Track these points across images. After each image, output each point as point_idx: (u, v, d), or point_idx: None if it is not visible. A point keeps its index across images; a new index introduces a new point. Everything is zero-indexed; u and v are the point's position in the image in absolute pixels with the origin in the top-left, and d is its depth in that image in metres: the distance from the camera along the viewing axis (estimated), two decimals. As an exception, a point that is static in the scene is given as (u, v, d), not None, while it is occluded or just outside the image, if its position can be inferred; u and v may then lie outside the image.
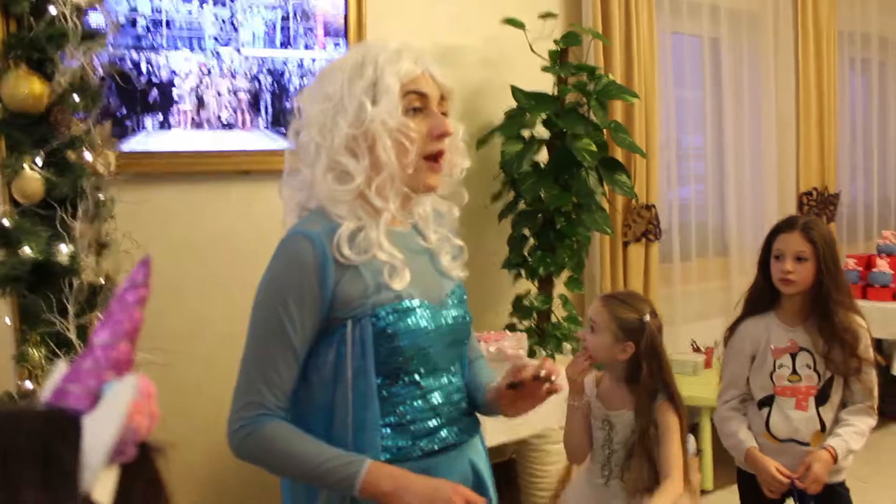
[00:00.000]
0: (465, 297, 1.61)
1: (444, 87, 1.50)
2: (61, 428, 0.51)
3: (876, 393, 2.28)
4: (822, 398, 2.27)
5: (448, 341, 1.53)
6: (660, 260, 4.32)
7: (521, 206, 3.55)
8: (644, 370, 2.02)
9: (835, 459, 2.20)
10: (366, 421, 1.43)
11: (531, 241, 3.62)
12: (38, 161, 1.97)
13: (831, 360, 2.23)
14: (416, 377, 1.48)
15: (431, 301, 1.51)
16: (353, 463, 1.39)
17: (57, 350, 1.92)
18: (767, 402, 2.30)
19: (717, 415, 2.40)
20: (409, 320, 1.45)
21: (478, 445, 1.62)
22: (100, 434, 0.52)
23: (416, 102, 1.46)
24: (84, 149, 2.02)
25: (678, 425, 2.02)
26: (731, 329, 2.39)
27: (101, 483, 0.51)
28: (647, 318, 2.03)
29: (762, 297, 2.34)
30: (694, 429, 3.74)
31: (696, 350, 4.25)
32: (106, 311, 0.57)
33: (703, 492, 3.66)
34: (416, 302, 1.47)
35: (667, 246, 4.45)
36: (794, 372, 2.27)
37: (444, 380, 1.53)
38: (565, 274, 3.64)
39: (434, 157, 1.49)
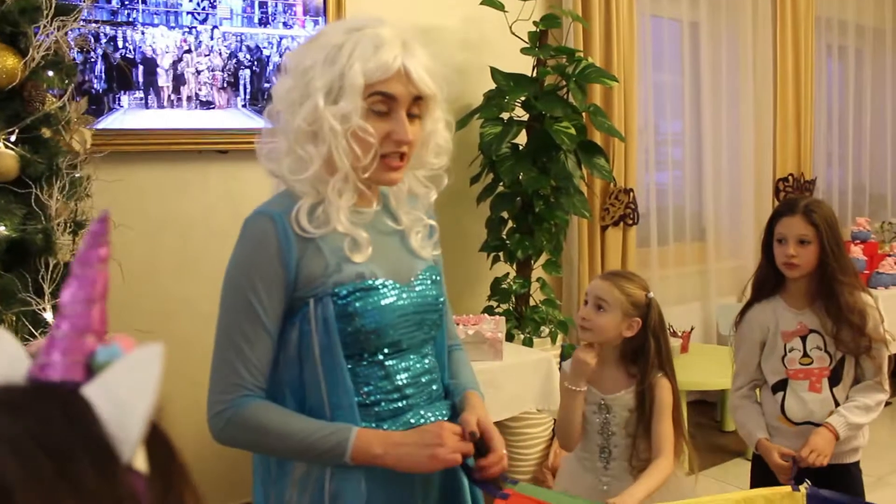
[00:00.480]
0: (438, 277, 1.58)
1: (421, 89, 1.42)
2: (73, 409, 0.48)
3: (886, 369, 2.29)
4: (834, 379, 2.27)
5: (415, 321, 1.51)
6: (637, 244, 4.34)
7: (500, 188, 3.55)
8: (651, 346, 2.02)
9: (836, 436, 2.20)
10: (341, 399, 1.43)
11: (510, 223, 3.62)
12: (12, 138, 1.93)
13: (841, 341, 2.23)
14: (380, 357, 1.47)
15: (399, 280, 1.49)
16: (341, 431, 1.39)
17: (33, 330, 1.90)
18: (781, 386, 2.29)
19: (730, 403, 2.43)
20: (371, 299, 1.43)
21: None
22: (131, 401, 0.48)
23: (380, 105, 1.40)
24: (59, 126, 1.99)
25: (672, 402, 2.03)
26: (740, 316, 2.39)
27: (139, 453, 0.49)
28: (651, 294, 2.06)
29: (767, 282, 2.33)
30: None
31: (674, 334, 4.27)
32: (71, 275, 0.54)
33: (689, 473, 3.70)
34: (379, 281, 1.45)
35: (644, 230, 4.47)
36: (806, 354, 2.27)
37: (412, 361, 1.51)
38: (543, 257, 3.65)
39: (395, 158, 1.44)
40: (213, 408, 1.42)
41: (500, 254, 3.62)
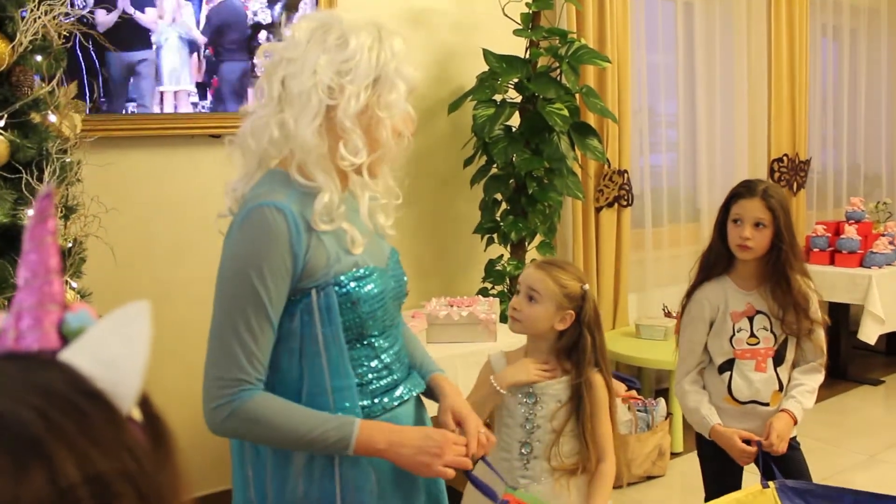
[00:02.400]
0: (399, 258, 1.66)
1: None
2: (65, 371, 0.50)
3: (825, 351, 2.35)
4: (778, 359, 2.32)
5: (394, 303, 1.59)
6: (631, 225, 4.35)
7: (493, 170, 3.55)
8: (587, 341, 1.93)
9: (795, 421, 2.25)
10: (342, 382, 1.46)
11: (503, 205, 3.62)
12: (1, 123, 1.92)
13: (786, 322, 2.28)
14: (372, 339, 1.52)
15: (379, 265, 1.55)
16: (345, 425, 1.42)
17: (24, 315, 1.89)
18: (728, 366, 2.33)
19: (679, 388, 2.42)
20: (366, 286, 1.48)
21: (420, 399, 1.68)
22: (122, 356, 0.51)
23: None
24: (49, 111, 1.98)
25: (608, 400, 1.96)
26: (688, 295, 2.41)
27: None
28: (587, 286, 1.96)
29: (718, 262, 2.35)
30: (664, 393, 3.80)
31: (668, 315, 4.29)
32: (25, 251, 0.56)
33: (674, 454, 3.73)
34: (370, 269, 1.50)
35: (638, 211, 4.48)
36: (753, 335, 2.31)
37: (392, 339, 1.58)
38: (537, 239, 3.65)
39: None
40: (213, 401, 1.42)
41: (494, 236, 3.62)
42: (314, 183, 1.44)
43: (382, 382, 1.53)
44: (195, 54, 2.99)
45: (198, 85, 3.00)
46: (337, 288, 1.45)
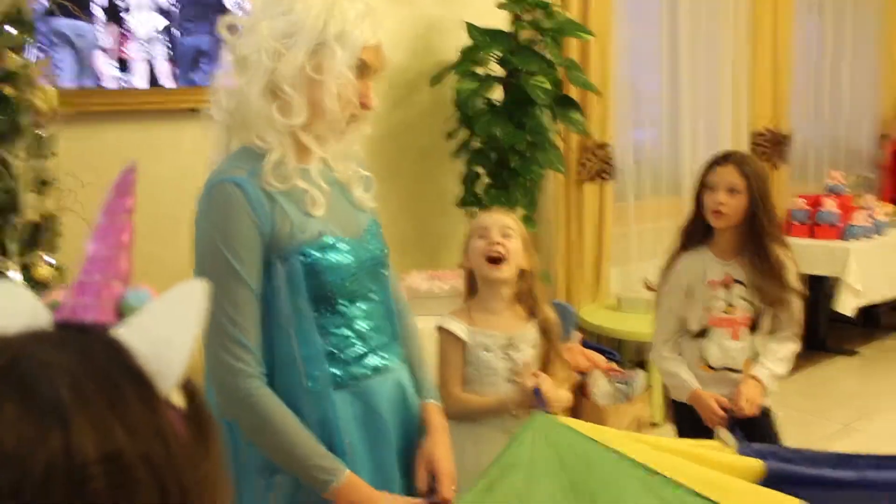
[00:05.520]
0: (380, 230, 1.66)
1: (385, 64, 1.54)
2: (112, 345, 0.49)
3: (801, 320, 2.38)
4: (753, 327, 2.35)
5: (369, 274, 1.59)
6: (614, 199, 4.36)
7: (476, 144, 3.54)
8: (535, 279, 2.12)
9: (764, 387, 2.29)
10: (311, 350, 1.48)
11: (485, 179, 3.62)
12: (-26, 96, 1.91)
13: (763, 292, 2.31)
14: (341, 308, 1.53)
15: (351, 236, 1.55)
16: (335, 471, 1.45)
17: None
18: (703, 333, 2.37)
19: (656, 354, 2.46)
20: (332, 257, 1.49)
21: (404, 367, 1.68)
22: (172, 336, 0.50)
23: (363, 68, 1.50)
24: (22, 84, 1.96)
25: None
26: (668, 265, 2.44)
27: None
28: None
29: (696, 232, 2.40)
30: (645, 366, 3.83)
31: (650, 288, 4.31)
32: (98, 223, 0.55)
33: (653, 425, 3.77)
34: (336, 239, 1.51)
35: (621, 185, 4.48)
36: (730, 304, 2.35)
37: (367, 307, 1.58)
38: (519, 212, 3.65)
39: (354, 118, 1.54)
40: (224, 389, 1.44)
41: (476, 209, 3.62)
42: (263, 143, 1.47)
43: (354, 351, 1.54)
44: (169, 27, 2.96)
45: (171, 59, 2.97)
46: (302, 258, 1.46)
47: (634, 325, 3.87)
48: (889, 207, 5.24)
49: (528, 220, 3.65)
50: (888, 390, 4.50)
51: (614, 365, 3.66)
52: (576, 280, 4.17)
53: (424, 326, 2.89)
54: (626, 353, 4.22)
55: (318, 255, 1.48)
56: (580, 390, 3.54)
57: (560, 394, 2.04)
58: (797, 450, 1.96)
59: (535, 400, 1.89)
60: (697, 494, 1.65)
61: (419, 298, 3.13)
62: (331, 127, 1.50)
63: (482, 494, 1.66)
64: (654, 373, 3.81)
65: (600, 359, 3.63)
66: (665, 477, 1.67)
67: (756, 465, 1.83)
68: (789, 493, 1.75)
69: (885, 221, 4.96)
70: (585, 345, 3.70)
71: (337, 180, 1.59)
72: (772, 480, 1.80)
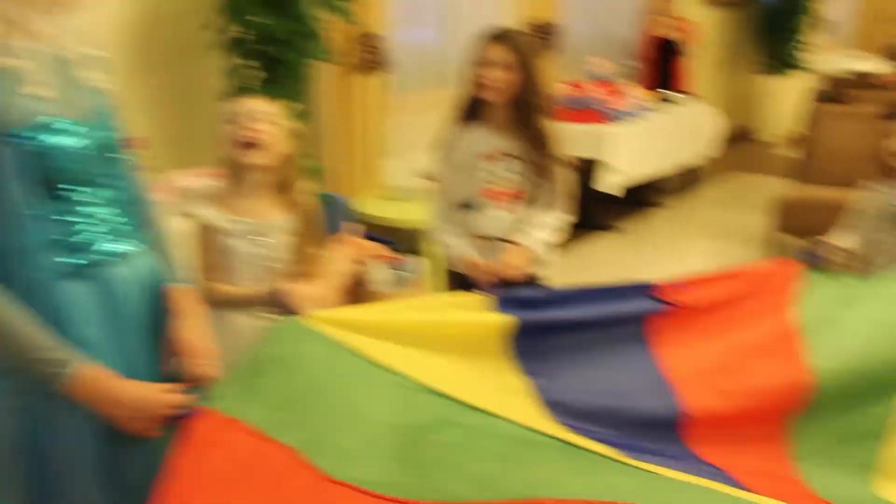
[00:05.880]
0: (115, 114, 1.57)
1: None
2: None
3: (569, 191, 2.51)
4: (523, 199, 2.46)
5: (101, 157, 1.51)
6: (388, 91, 4.36)
7: (236, 34, 3.40)
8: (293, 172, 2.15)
9: (527, 251, 2.39)
10: (38, 245, 1.41)
11: (248, 71, 3.49)
12: None
13: (533, 163, 2.42)
14: (71, 195, 1.46)
15: (78, 118, 1.46)
16: (65, 362, 1.39)
17: None
18: (474, 205, 2.46)
19: (436, 227, 2.54)
20: (55, 139, 1.41)
21: (151, 255, 1.63)
22: None
23: None
24: None
25: None
26: (443, 141, 2.50)
27: None
28: None
29: (470, 107, 2.46)
30: (420, 252, 3.93)
31: (425, 179, 4.38)
32: None
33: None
34: (57, 120, 1.42)
35: (399, 78, 4.48)
36: (501, 176, 2.44)
37: (101, 193, 1.52)
38: (291, 106, 3.56)
39: None
40: None
41: (240, 103, 3.50)
42: None
43: (85, 237, 1.48)
44: None
45: None
46: (17, 140, 1.37)
47: (410, 213, 3.95)
48: (649, 94, 5.60)
49: (302, 114, 3.58)
50: (646, 262, 4.93)
51: (391, 251, 3.72)
52: (350, 172, 4.18)
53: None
54: (402, 242, 4.32)
55: (36, 137, 1.38)
56: (361, 280, 3.59)
57: (313, 291, 2.04)
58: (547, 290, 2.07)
59: (281, 302, 1.90)
60: (448, 396, 1.67)
61: (187, 197, 3.02)
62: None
63: (238, 388, 1.59)
64: (431, 257, 3.92)
65: (377, 247, 3.68)
66: (417, 382, 1.69)
67: (504, 319, 1.87)
68: (540, 342, 1.87)
69: (646, 106, 5.31)
70: (367, 236, 3.74)
71: (64, 59, 1.47)
72: (523, 331, 1.87)
